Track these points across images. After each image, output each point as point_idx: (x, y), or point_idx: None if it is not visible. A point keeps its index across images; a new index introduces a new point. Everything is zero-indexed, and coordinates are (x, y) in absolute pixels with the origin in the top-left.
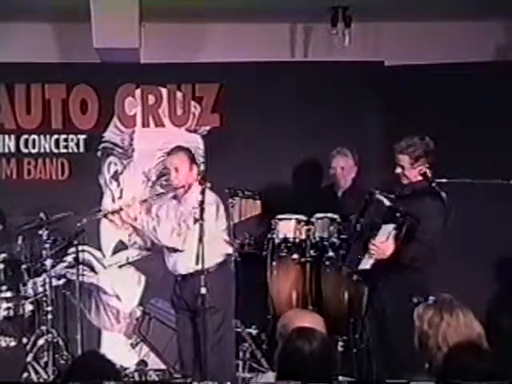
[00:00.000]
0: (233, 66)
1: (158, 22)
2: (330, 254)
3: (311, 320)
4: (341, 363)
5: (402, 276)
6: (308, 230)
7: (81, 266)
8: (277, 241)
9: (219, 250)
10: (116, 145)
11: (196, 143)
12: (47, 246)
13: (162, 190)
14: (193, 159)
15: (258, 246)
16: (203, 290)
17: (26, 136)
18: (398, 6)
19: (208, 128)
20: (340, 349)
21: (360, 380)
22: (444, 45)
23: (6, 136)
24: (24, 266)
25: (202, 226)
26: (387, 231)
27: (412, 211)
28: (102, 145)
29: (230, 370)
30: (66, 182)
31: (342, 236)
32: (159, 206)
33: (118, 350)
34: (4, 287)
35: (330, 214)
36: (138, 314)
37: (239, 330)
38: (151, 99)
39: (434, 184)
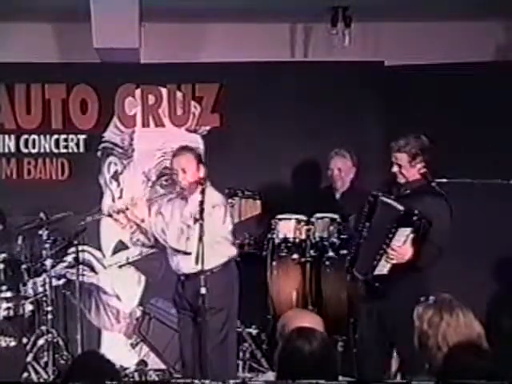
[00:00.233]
0: (233, 65)
1: (158, 21)
2: (330, 254)
3: (311, 320)
4: (341, 363)
5: (406, 276)
6: (308, 230)
7: (81, 266)
8: (277, 241)
9: (225, 251)
10: (116, 145)
11: (196, 143)
12: (47, 246)
13: (163, 191)
14: (199, 159)
15: (258, 246)
16: (203, 290)
17: (25, 136)
18: (398, 6)
19: (208, 128)
20: (340, 349)
21: (360, 380)
22: (444, 45)
23: (6, 136)
24: (24, 266)
25: (201, 226)
26: (404, 235)
27: (424, 212)
28: (102, 145)
29: (231, 369)
30: (65, 181)
31: (342, 236)
32: (164, 205)
33: (118, 350)
34: (4, 287)
35: (330, 214)
36: (138, 313)
37: (239, 329)
38: (151, 99)
39: (433, 183)
